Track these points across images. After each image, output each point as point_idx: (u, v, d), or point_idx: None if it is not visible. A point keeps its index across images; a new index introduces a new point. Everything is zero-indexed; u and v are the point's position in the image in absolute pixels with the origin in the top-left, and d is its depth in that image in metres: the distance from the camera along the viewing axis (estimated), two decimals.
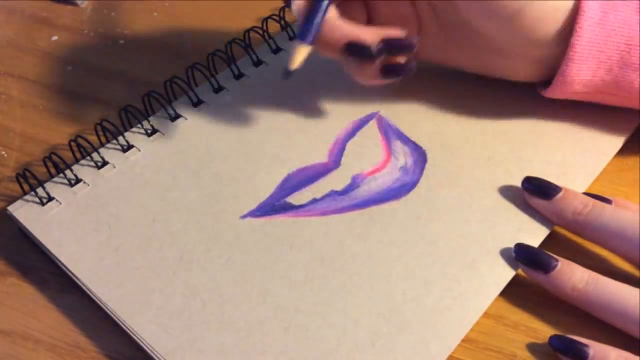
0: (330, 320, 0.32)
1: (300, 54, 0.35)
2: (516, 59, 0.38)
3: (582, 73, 0.36)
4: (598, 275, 0.32)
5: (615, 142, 0.39)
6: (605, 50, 0.34)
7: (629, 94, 0.36)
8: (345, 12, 0.37)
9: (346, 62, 0.37)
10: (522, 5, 0.34)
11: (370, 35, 0.35)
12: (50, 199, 0.38)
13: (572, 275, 0.32)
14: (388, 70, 0.37)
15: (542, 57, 0.37)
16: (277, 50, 0.46)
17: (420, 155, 0.39)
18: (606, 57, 0.35)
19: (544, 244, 0.35)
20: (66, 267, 0.35)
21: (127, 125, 0.42)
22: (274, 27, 0.48)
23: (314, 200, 0.37)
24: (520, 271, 0.34)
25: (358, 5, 0.38)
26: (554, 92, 0.37)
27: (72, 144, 0.40)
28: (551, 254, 0.33)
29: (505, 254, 0.34)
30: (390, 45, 0.36)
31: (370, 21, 0.39)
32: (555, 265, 0.32)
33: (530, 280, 0.34)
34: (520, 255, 0.33)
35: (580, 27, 0.34)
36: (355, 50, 0.35)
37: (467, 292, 0.33)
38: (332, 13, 0.36)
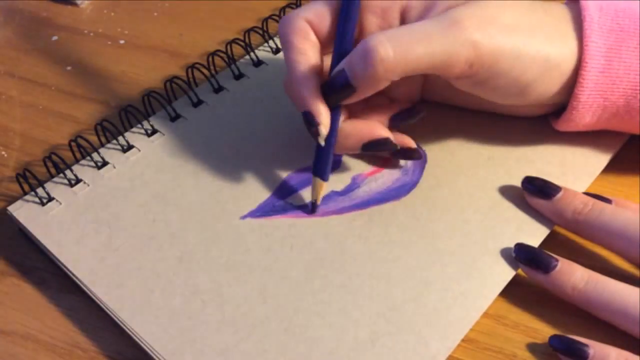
0: (330, 320, 0.32)
1: (323, 188, 0.36)
2: (525, 108, 0.38)
3: (588, 118, 0.36)
4: (598, 274, 0.32)
5: (615, 142, 0.39)
6: (610, 96, 0.35)
7: (635, 130, 0.37)
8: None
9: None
10: (530, 83, 0.34)
11: (382, 128, 0.36)
12: (50, 199, 0.38)
13: (572, 275, 0.32)
14: (396, 118, 0.37)
15: (551, 105, 0.37)
16: (277, 50, 0.46)
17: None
18: (611, 102, 0.35)
19: (544, 243, 0.35)
20: (66, 267, 0.35)
21: (127, 126, 0.42)
22: (274, 27, 0.48)
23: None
24: (520, 271, 0.34)
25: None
26: (562, 128, 0.37)
27: (72, 144, 0.40)
28: (551, 254, 0.33)
29: (505, 254, 0.34)
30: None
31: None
32: (555, 265, 0.32)
33: (530, 281, 0.34)
34: (520, 255, 0.33)
35: (583, 79, 0.34)
36: (374, 146, 0.36)
37: (467, 292, 0.33)
38: (341, 119, 0.36)
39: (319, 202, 0.36)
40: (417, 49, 0.32)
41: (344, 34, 0.35)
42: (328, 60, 0.36)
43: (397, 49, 0.31)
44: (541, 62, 0.34)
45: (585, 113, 0.36)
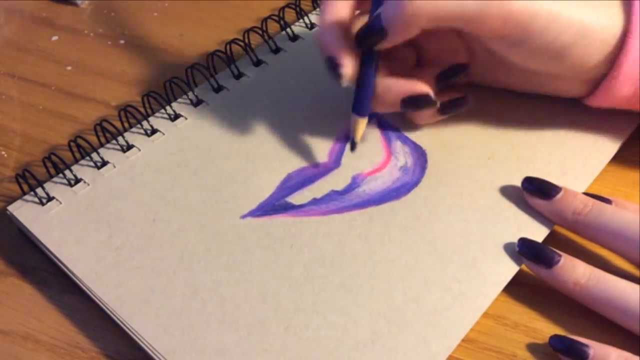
0: (331, 319, 0.32)
1: (361, 126, 0.37)
2: (566, 81, 0.37)
3: (625, 89, 0.35)
4: (600, 271, 0.32)
5: (615, 142, 0.39)
6: None
7: None
8: (395, 58, 0.37)
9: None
10: (567, 47, 0.34)
11: (423, 85, 0.36)
12: (50, 198, 0.38)
13: (575, 271, 0.32)
14: (446, 106, 0.38)
15: (593, 78, 0.36)
16: (277, 50, 0.46)
17: (420, 155, 0.39)
18: None
19: (544, 243, 0.35)
20: (66, 267, 0.35)
21: (127, 126, 0.42)
22: (273, 27, 0.48)
23: (314, 200, 0.37)
24: (520, 271, 0.34)
25: (406, 49, 0.38)
26: (597, 101, 0.37)
27: (72, 144, 0.40)
28: (554, 249, 0.33)
29: (505, 253, 0.34)
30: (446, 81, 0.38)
31: (420, 59, 0.39)
32: (558, 261, 0.32)
33: (530, 281, 0.34)
34: (523, 249, 0.33)
35: (628, 48, 0.34)
36: (414, 102, 0.36)
37: (468, 291, 0.33)
38: (381, 73, 0.36)
39: (358, 140, 0.37)
40: (449, 2, 0.32)
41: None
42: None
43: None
44: (579, 27, 0.33)
45: (625, 83, 0.35)
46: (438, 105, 0.37)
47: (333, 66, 0.35)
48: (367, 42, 0.35)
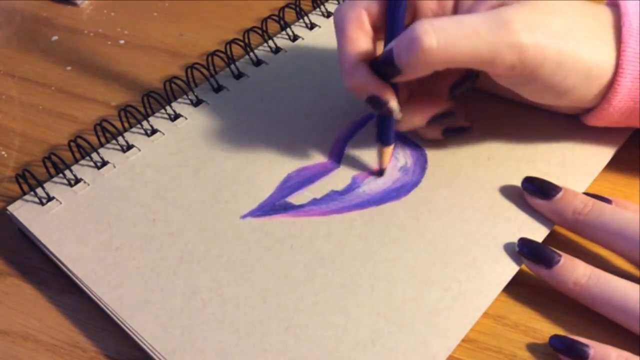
0: (331, 319, 0.32)
1: (388, 153, 0.38)
2: (567, 107, 0.38)
3: (616, 117, 0.36)
4: (600, 271, 0.32)
5: (615, 142, 0.39)
6: None
7: None
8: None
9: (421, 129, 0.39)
10: (571, 87, 0.34)
11: (445, 102, 0.37)
12: (50, 198, 0.38)
13: (575, 271, 0.32)
14: (449, 131, 0.39)
15: (587, 105, 0.37)
16: (277, 50, 0.46)
17: (420, 156, 0.39)
18: None
19: (544, 243, 0.35)
20: (66, 267, 0.35)
21: (127, 125, 0.42)
22: (273, 27, 0.48)
23: (314, 200, 0.37)
24: (520, 271, 0.34)
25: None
26: (589, 122, 0.38)
27: (72, 144, 0.40)
28: (554, 249, 0.33)
29: (505, 253, 0.34)
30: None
31: None
32: (558, 260, 0.32)
33: (530, 281, 0.34)
34: (523, 249, 0.34)
35: (618, 84, 0.34)
36: (440, 119, 0.37)
37: (468, 291, 0.33)
38: (401, 95, 0.36)
39: (385, 167, 0.38)
40: (462, 44, 0.32)
41: (394, 19, 0.35)
42: (380, 47, 0.36)
43: (442, 41, 0.32)
44: (583, 71, 0.34)
45: (614, 114, 0.36)
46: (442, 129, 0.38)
47: (381, 104, 0.35)
48: (381, 75, 0.35)
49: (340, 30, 0.36)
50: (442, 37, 0.32)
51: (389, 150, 0.38)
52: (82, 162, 0.40)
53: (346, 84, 0.36)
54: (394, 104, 0.35)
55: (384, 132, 0.37)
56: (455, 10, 0.36)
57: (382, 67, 0.34)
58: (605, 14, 0.35)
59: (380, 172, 0.38)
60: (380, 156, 0.38)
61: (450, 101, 0.37)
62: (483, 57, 0.32)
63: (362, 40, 0.35)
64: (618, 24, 0.35)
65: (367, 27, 0.36)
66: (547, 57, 0.33)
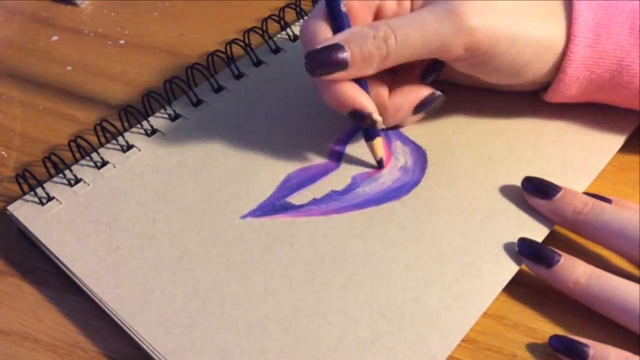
0: (331, 319, 0.32)
1: (379, 145, 0.38)
2: (519, 85, 0.39)
3: (574, 89, 0.37)
4: (600, 270, 0.32)
5: (615, 141, 0.39)
6: (596, 70, 0.36)
7: (624, 101, 0.38)
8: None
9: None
10: (525, 64, 0.35)
11: (424, 87, 0.37)
12: (50, 198, 0.38)
13: (575, 270, 0.32)
14: (419, 105, 0.38)
15: (544, 82, 0.38)
16: (277, 50, 0.46)
17: (420, 155, 0.39)
18: (597, 75, 0.36)
19: (544, 243, 0.35)
20: (66, 267, 0.35)
21: (127, 126, 0.42)
22: (274, 27, 0.48)
23: (314, 200, 0.37)
24: (520, 271, 0.34)
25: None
26: (550, 99, 0.39)
27: (72, 144, 0.40)
28: (554, 249, 0.33)
29: (505, 253, 0.34)
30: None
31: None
32: (558, 260, 0.32)
33: (530, 281, 0.34)
34: (523, 249, 0.34)
35: (572, 52, 0.35)
36: (426, 105, 0.37)
37: (468, 291, 0.33)
38: (377, 90, 0.37)
39: (381, 157, 0.38)
40: (415, 38, 0.33)
41: (335, 14, 0.35)
42: None
43: (398, 36, 0.33)
44: (535, 44, 0.35)
45: (572, 85, 0.37)
46: (446, 98, 0.38)
47: (364, 117, 0.35)
48: (321, 71, 0.34)
49: (305, 43, 0.36)
50: (397, 34, 0.33)
51: (378, 142, 0.37)
52: (82, 162, 0.40)
53: (325, 100, 0.36)
54: (376, 116, 0.35)
55: (371, 130, 0.37)
56: (412, 8, 0.36)
57: (327, 61, 0.34)
58: None
59: (379, 164, 0.38)
60: (374, 150, 0.38)
61: (429, 86, 0.37)
62: (435, 47, 0.34)
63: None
64: None
65: (329, 34, 0.35)
66: (498, 36, 0.34)
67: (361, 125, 0.36)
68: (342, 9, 0.35)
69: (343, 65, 0.34)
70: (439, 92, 0.37)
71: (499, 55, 0.34)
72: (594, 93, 0.37)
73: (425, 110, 0.37)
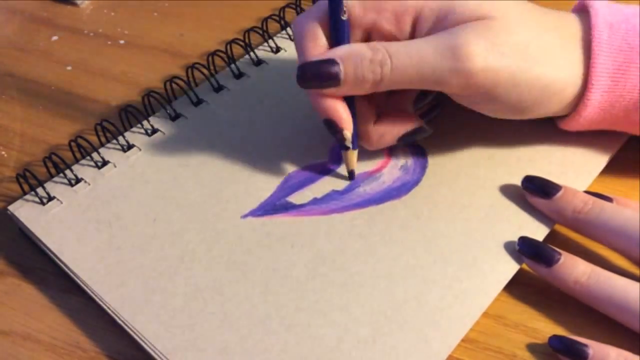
0: (332, 318, 0.32)
1: (353, 157, 0.37)
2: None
3: (586, 126, 0.37)
4: (600, 269, 0.32)
5: (615, 141, 0.39)
6: (611, 111, 0.35)
7: (635, 132, 0.37)
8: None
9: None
10: (531, 105, 0.35)
11: (412, 119, 0.37)
12: (50, 198, 0.38)
13: (575, 269, 0.32)
14: (403, 137, 0.38)
15: (556, 115, 0.37)
16: (277, 49, 0.46)
17: (420, 154, 0.39)
18: (612, 115, 0.35)
19: (545, 242, 0.35)
20: (67, 267, 0.35)
21: (127, 125, 0.42)
22: (274, 27, 0.48)
23: (315, 200, 0.37)
24: (520, 271, 0.34)
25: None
26: (563, 127, 0.38)
27: (72, 144, 0.40)
28: (554, 248, 0.33)
29: (506, 252, 0.34)
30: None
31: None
32: (558, 259, 0.32)
33: (530, 280, 0.34)
34: (523, 248, 0.34)
35: (588, 99, 0.34)
36: (410, 137, 0.37)
37: (468, 290, 0.33)
38: (364, 115, 0.36)
39: (352, 169, 0.38)
40: (410, 69, 0.33)
41: (335, 22, 0.34)
42: None
43: (394, 63, 0.33)
44: (540, 89, 0.34)
45: (586, 124, 0.36)
46: (431, 131, 0.37)
47: (335, 130, 0.35)
48: (313, 84, 0.34)
49: (297, 45, 0.35)
50: (394, 60, 0.33)
51: (351, 154, 0.37)
52: (83, 161, 0.40)
53: (309, 99, 0.36)
54: (347, 133, 0.35)
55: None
56: (414, 31, 0.35)
57: (321, 75, 0.34)
58: (572, 25, 0.35)
59: (350, 175, 0.38)
60: (348, 161, 0.37)
61: (419, 118, 0.37)
62: (431, 81, 0.33)
63: (317, 52, 0.35)
64: (587, 37, 0.34)
65: (323, 41, 0.35)
66: (500, 79, 0.33)
67: (334, 137, 0.36)
68: (343, 17, 0.34)
69: (335, 82, 0.34)
70: (426, 127, 0.37)
71: (501, 97, 0.34)
72: (608, 126, 0.37)
73: (409, 141, 0.37)
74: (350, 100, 0.35)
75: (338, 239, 0.35)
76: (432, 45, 0.33)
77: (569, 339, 0.31)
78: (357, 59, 0.33)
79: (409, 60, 0.33)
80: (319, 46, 0.35)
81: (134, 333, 0.32)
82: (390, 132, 0.36)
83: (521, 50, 0.33)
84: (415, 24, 0.34)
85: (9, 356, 0.34)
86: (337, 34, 0.34)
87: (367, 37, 0.35)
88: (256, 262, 0.35)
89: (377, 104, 0.37)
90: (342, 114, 0.35)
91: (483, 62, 0.32)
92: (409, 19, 0.34)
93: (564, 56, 0.34)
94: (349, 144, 0.36)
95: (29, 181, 0.38)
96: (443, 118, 0.41)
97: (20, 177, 0.39)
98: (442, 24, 0.33)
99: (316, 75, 0.34)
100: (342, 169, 0.39)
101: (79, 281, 0.34)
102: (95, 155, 0.40)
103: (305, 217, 0.36)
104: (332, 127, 0.35)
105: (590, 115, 0.35)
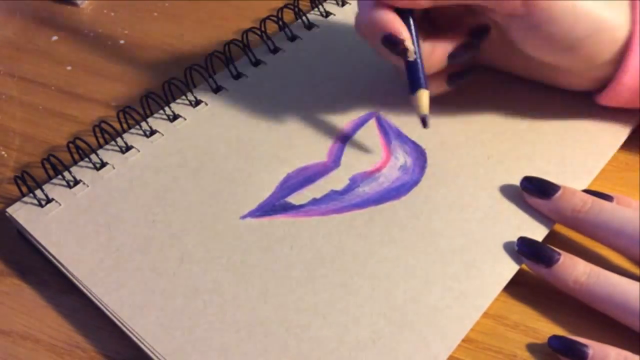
0: (331, 319, 0.32)
1: (425, 98, 0.37)
2: (575, 76, 0.38)
3: (629, 94, 0.37)
4: (600, 268, 0.32)
5: (615, 141, 0.39)
6: None
7: None
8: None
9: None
10: (581, 39, 0.35)
11: (461, 37, 0.37)
12: (49, 200, 0.38)
13: (575, 269, 0.32)
14: (453, 76, 0.39)
15: (599, 76, 0.37)
16: (275, 50, 0.46)
17: (419, 155, 0.39)
18: None
19: (544, 242, 0.35)
20: (66, 269, 0.35)
21: (126, 127, 0.42)
22: (272, 27, 0.48)
23: (314, 200, 0.37)
24: (520, 271, 0.34)
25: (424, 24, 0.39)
26: (606, 101, 0.38)
27: (71, 145, 0.40)
28: (554, 248, 0.33)
29: (505, 253, 0.34)
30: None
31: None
32: (558, 259, 0.32)
33: (530, 281, 0.34)
34: (523, 248, 0.33)
35: (632, 50, 0.35)
36: (462, 52, 0.37)
37: (468, 291, 0.33)
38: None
39: (426, 113, 0.37)
40: None
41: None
42: None
43: None
44: (594, 19, 0.34)
45: (626, 94, 0.36)
46: (446, 75, 0.38)
47: (396, 42, 0.35)
48: None
49: (379, 34, 0.35)
50: None
51: (423, 95, 0.36)
52: (81, 163, 0.40)
53: (361, 21, 0.36)
54: (409, 44, 0.35)
55: (415, 77, 0.36)
56: None
57: None
58: None
59: (423, 122, 0.37)
60: (420, 104, 0.36)
61: (466, 36, 0.37)
62: None
63: None
64: None
65: None
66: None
67: (393, 53, 0.35)
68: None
69: None
70: (475, 42, 0.37)
71: (557, 20, 0.34)
72: None
73: (463, 58, 0.37)
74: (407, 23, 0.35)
75: (337, 240, 0.35)
76: None
77: (568, 339, 0.31)
78: None
79: None
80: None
81: (134, 335, 0.32)
82: (441, 46, 0.36)
83: None
84: None
85: (9, 356, 0.34)
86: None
87: None
88: (255, 263, 0.34)
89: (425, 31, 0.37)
90: (400, 26, 0.35)
91: None
92: None
93: (616, 4, 0.35)
94: (412, 56, 0.35)
95: (28, 183, 0.38)
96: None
97: (18, 179, 0.39)
98: None
99: None
100: (342, 170, 0.39)
101: (77, 283, 0.34)
102: (93, 157, 0.40)
103: (304, 218, 0.36)
104: (393, 41, 0.35)
105: (629, 82, 0.35)
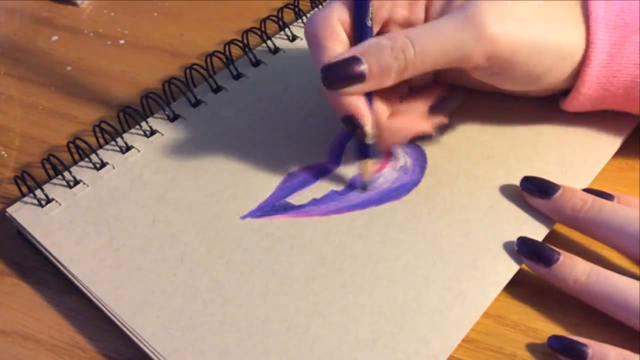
0: (331, 319, 0.32)
1: (370, 167, 0.37)
2: (535, 91, 0.39)
3: (588, 105, 0.37)
4: (600, 268, 0.32)
5: (615, 141, 0.39)
6: (610, 88, 0.36)
7: (635, 111, 0.38)
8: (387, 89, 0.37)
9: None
10: (544, 72, 0.35)
11: (426, 124, 0.37)
12: (49, 200, 0.38)
13: (574, 268, 0.32)
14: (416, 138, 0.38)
15: (561, 88, 0.38)
16: (275, 50, 0.46)
17: (419, 155, 0.39)
18: (611, 93, 0.36)
19: (545, 242, 0.35)
20: (66, 269, 0.35)
21: (126, 127, 0.42)
22: (272, 27, 0.48)
23: (314, 201, 0.37)
24: (520, 271, 0.34)
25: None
26: (570, 108, 0.38)
27: (71, 145, 0.40)
28: (553, 247, 0.33)
29: (505, 253, 0.34)
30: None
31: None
32: (558, 258, 0.32)
33: (530, 280, 0.34)
34: (522, 248, 0.34)
35: (586, 74, 0.35)
36: (420, 140, 0.37)
37: (468, 291, 0.33)
38: (380, 112, 0.36)
39: (368, 180, 0.37)
40: (434, 48, 0.33)
41: (361, 27, 0.34)
42: None
43: (417, 46, 0.33)
44: (555, 52, 0.35)
45: (586, 102, 0.37)
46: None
47: (355, 125, 0.34)
48: (339, 84, 0.33)
49: (314, 43, 0.34)
50: (416, 44, 0.33)
51: (369, 164, 0.37)
52: (81, 163, 0.40)
53: (324, 98, 0.35)
54: (369, 129, 0.34)
55: (363, 149, 0.36)
56: (427, 14, 0.35)
57: (344, 73, 0.33)
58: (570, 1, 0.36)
59: (363, 187, 0.37)
60: (364, 170, 0.37)
61: (431, 121, 0.37)
62: (455, 56, 0.33)
63: (339, 51, 0.34)
64: (585, 13, 0.35)
65: (343, 36, 0.34)
66: (519, 44, 0.33)
67: (352, 134, 0.35)
68: (368, 23, 0.34)
69: (360, 78, 0.33)
70: (439, 128, 0.37)
71: (519, 63, 0.34)
72: (608, 105, 0.37)
73: (421, 142, 0.37)
74: (368, 98, 0.35)
75: (337, 240, 0.35)
76: (450, 21, 0.33)
77: (568, 339, 0.31)
78: (377, 51, 0.33)
79: (431, 40, 0.33)
80: (340, 42, 0.34)
81: (134, 335, 0.32)
82: (404, 129, 0.36)
83: (533, 15, 0.34)
84: (427, 9, 0.35)
85: (9, 356, 0.34)
86: (362, 36, 0.34)
87: (381, 32, 0.36)
88: (255, 263, 0.35)
89: (392, 104, 0.37)
90: (362, 109, 0.34)
91: (502, 28, 0.33)
92: (421, 3, 0.35)
93: (570, 24, 0.35)
94: (370, 139, 0.35)
95: (28, 183, 0.38)
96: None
97: (18, 179, 0.39)
98: (453, 4, 0.34)
99: (340, 75, 0.33)
100: (342, 170, 0.39)
101: (77, 283, 0.34)
102: (93, 157, 0.40)
103: (304, 218, 0.36)
104: (352, 122, 0.34)
105: (589, 92, 0.36)
